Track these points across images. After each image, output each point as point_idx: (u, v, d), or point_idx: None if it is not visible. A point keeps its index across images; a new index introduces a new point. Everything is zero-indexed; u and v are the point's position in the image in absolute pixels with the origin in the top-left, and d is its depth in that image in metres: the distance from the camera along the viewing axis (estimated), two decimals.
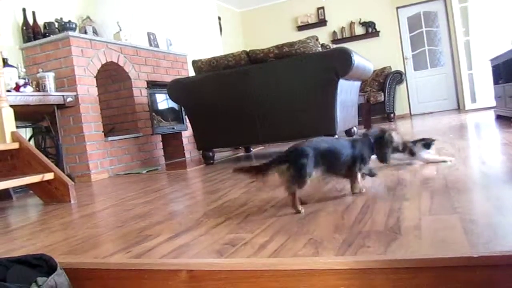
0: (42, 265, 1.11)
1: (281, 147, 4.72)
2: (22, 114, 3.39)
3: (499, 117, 4.63)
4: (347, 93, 3.79)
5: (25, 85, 3.44)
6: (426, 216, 1.22)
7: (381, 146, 1.67)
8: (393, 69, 8.07)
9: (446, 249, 0.94)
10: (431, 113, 8.36)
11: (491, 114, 5.15)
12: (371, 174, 1.71)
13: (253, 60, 3.68)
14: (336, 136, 3.28)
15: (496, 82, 4.68)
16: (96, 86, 4.05)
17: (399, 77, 7.81)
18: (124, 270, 1.14)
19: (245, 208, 1.65)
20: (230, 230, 1.35)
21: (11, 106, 2.70)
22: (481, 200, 1.35)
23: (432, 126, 4.85)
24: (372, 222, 1.23)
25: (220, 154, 4.94)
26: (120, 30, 4.52)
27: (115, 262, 1.17)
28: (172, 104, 5.17)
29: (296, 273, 0.97)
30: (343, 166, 1.58)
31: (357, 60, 3.38)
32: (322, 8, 8.84)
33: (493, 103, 5.02)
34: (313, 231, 1.20)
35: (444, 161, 2.14)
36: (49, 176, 2.57)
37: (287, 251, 1.05)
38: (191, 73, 5.64)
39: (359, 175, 1.63)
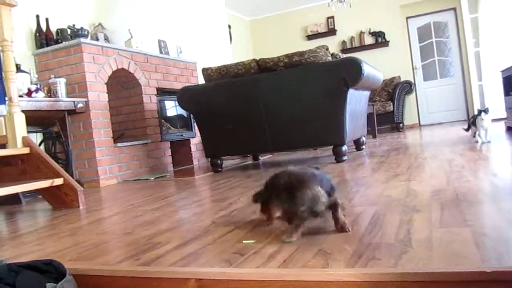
0: (51, 271, 1.12)
1: (290, 156, 4.71)
2: (33, 119, 3.42)
3: (509, 129, 4.59)
4: (357, 102, 3.78)
5: (36, 90, 3.48)
6: (437, 228, 1.20)
7: None
8: (402, 79, 8.06)
9: (458, 263, 0.93)
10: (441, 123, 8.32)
11: (502, 126, 5.10)
12: None
13: (263, 68, 3.69)
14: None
15: (507, 93, 4.65)
16: (107, 93, 4.09)
17: (408, 87, 7.79)
18: (133, 277, 1.14)
19: (254, 217, 1.65)
20: (239, 239, 1.34)
21: (22, 111, 2.73)
22: (493, 213, 1.34)
23: (442, 136, 4.82)
24: (382, 233, 1.22)
25: (229, 161, 4.94)
26: (132, 37, 4.56)
27: (123, 269, 1.17)
28: (181, 111, 5.19)
29: (306, 284, 0.96)
30: None
31: (366, 69, 3.37)
32: (332, 17, 8.86)
33: (504, 115, 4.98)
34: (323, 242, 1.19)
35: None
36: (58, 181, 2.59)
37: (296, 262, 1.05)
38: (201, 80, 5.66)
39: None
